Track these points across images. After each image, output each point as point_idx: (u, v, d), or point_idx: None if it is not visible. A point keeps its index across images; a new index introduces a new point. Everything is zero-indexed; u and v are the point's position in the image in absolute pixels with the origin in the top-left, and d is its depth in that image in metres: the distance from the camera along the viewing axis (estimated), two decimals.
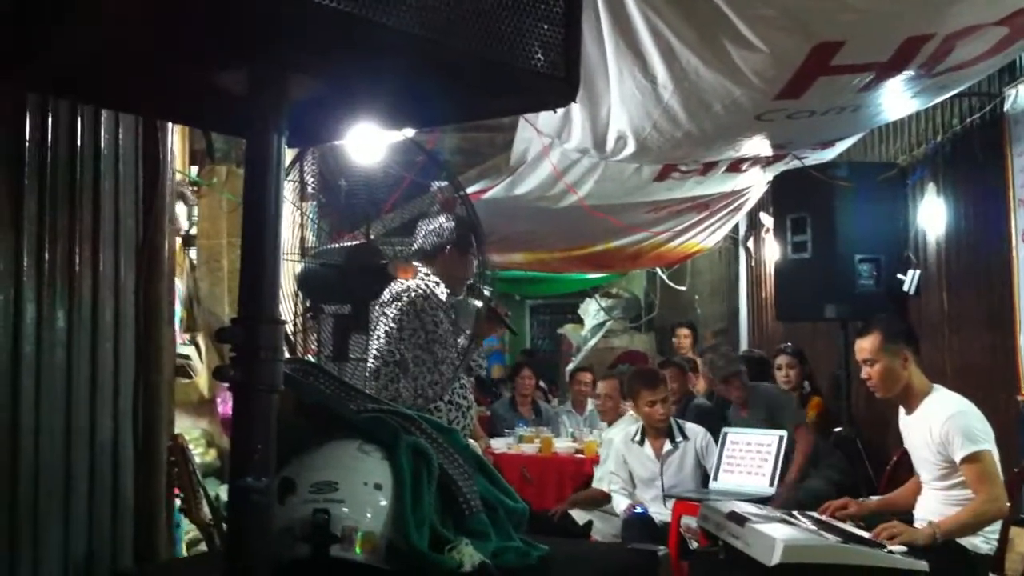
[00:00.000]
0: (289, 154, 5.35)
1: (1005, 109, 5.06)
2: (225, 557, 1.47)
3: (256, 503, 1.41)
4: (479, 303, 4.08)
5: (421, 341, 3.83)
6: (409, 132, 5.13)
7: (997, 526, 3.84)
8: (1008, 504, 3.82)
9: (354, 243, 4.31)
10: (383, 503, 1.74)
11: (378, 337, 3.88)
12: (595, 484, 6.14)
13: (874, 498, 4.33)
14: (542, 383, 9.44)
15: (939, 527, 3.72)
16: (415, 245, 4.12)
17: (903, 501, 4.10)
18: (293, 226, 5.11)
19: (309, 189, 5.02)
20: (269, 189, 1.47)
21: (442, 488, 1.84)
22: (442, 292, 3.97)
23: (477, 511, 1.85)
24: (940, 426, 3.80)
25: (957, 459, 3.75)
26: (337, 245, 4.15)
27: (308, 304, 3.69)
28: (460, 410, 3.88)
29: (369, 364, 3.88)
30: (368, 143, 5.27)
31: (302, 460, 1.78)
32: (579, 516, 5.98)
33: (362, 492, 1.73)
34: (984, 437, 3.78)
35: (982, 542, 3.79)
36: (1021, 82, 4.92)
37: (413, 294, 3.88)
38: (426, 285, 3.93)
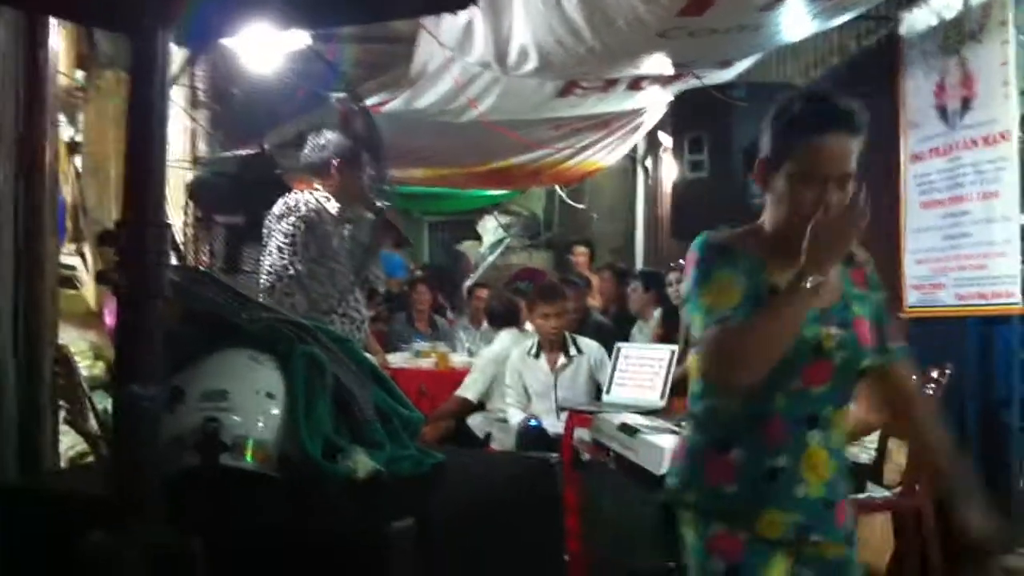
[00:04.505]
0: (179, 59, 5.18)
1: (900, 32, 5.13)
2: (112, 467, 1.43)
3: (143, 411, 1.37)
4: (372, 216, 4.04)
5: (314, 255, 3.79)
6: (307, 38, 5.00)
7: (875, 437, 4.01)
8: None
9: (249, 152, 4.20)
10: (275, 412, 1.72)
11: (270, 252, 3.83)
12: (458, 392, 6.13)
13: None
14: (441, 299, 9.42)
15: None
16: (303, 160, 4.04)
17: None
18: (185, 134, 4.95)
19: (201, 97, 4.87)
20: (154, 86, 1.42)
21: (336, 398, 1.82)
22: (333, 207, 3.92)
23: (371, 420, 1.84)
24: None
25: None
26: (230, 154, 4.05)
27: (200, 214, 3.60)
28: (354, 323, 3.86)
29: (262, 280, 3.83)
30: (264, 52, 5.11)
31: (192, 369, 1.75)
32: (478, 427, 6.00)
33: (254, 401, 1.71)
34: None
35: (860, 451, 3.95)
36: (916, 6, 4.98)
37: (304, 208, 3.82)
38: (316, 200, 3.88)
